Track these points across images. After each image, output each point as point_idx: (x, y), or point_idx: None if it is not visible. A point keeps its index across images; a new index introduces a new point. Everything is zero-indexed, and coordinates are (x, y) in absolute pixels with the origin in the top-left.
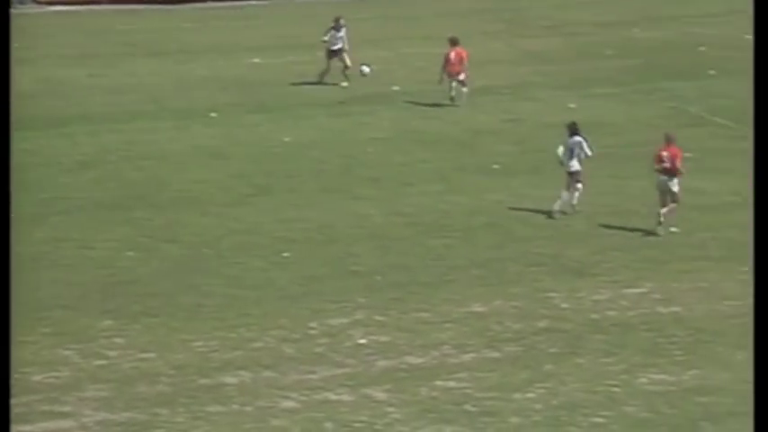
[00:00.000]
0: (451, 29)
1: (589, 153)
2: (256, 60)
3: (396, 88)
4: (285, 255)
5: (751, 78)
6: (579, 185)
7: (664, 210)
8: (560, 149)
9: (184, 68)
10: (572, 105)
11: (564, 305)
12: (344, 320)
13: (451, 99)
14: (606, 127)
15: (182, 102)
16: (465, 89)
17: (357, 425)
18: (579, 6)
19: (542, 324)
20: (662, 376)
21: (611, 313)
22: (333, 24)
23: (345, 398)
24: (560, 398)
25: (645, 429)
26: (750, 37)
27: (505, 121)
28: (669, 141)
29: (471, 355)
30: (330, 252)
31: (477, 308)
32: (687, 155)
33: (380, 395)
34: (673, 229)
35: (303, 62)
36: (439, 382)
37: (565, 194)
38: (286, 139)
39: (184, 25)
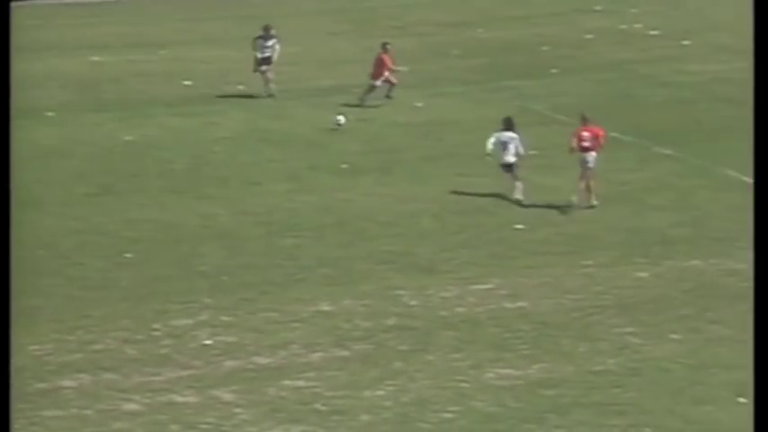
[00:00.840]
0: (299, 28)
1: (522, 151)
2: (97, 59)
3: (242, 87)
4: (128, 255)
5: (590, 76)
6: (519, 182)
7: (583, 185)
8: (491, 142)
9: (24, 67)
10: (419, 104)
11: (413, 302)
12: (189, 321)
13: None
14: (454, 125)
15: (20, 101)
16: (375, 88)
17: (204, 426)
18: (426, 7)
19: (391, 322)
20: (509, 370)
21: (459, 310)
22: (261, 33)
23: (191, 399)
24: (410, 394)
25: (493, 423)
26: (590, 36)
27: (355, 120)
28: (586, 121)
29: (320, 354)
30: (175, 252)
31: (326, 307)
32: (533, 152)
33: (228, 396)
34: (518, 226)
35: (145, 61)
36: (287, 382)
37: (519, 185)
38: (128, 138)
39: (26, 23)
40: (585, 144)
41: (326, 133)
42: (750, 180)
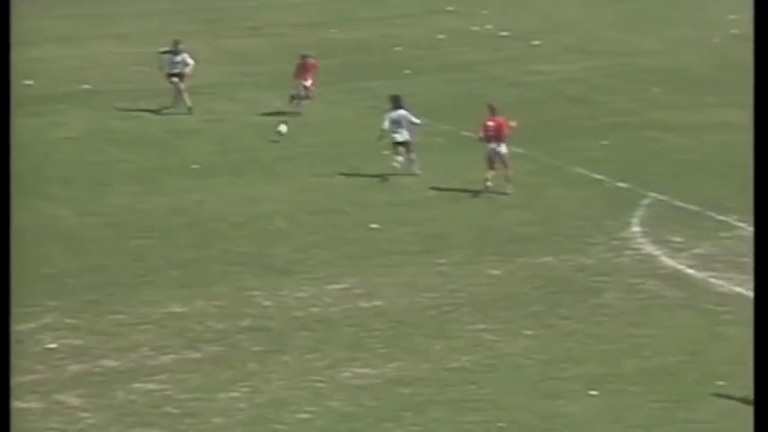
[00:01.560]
0: (148, 28)
1: (418, 122)
2: None
3: (87, 87)
4: None
5: (443, 76)
6: (414, 157)
7: (490, 174)
8: (386, 122)
9: None
10: (278, 104)
11: (267, 303)
12: (33, 325)
13: (292, 98)
14: (308, 126)
15: None
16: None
17: None
18: (279, 8)
19: (245, 323)
20: (365, 370)
21: (314, 310)
22: (169, 48)
23: (35, 405)
24: (265, 396)
25: (350, 422)
26: (442, 37)
27: (206, 121)
28: (493, 111)
29: (171, 356)
30: (17, 255)
31: (178, 308)
32: (386, 152)
33: (73, 401)
34: (373, 226)
35: None
36: (137, 385)
37: (414, 159)
38: None
39: None
40: (491, 134)
41: (176, 134)
42: (601, 177)
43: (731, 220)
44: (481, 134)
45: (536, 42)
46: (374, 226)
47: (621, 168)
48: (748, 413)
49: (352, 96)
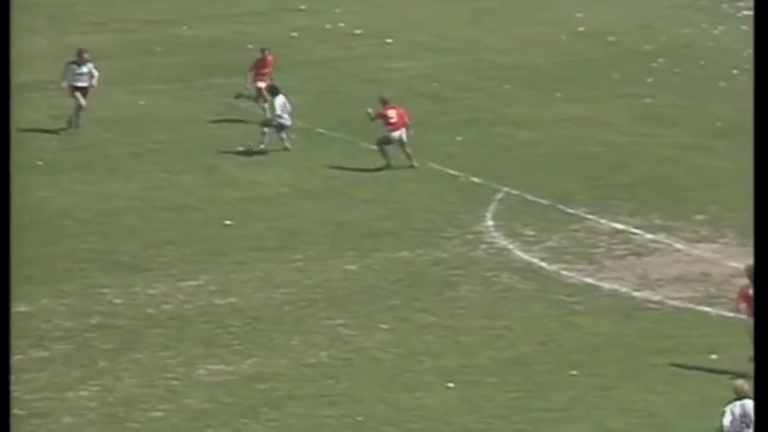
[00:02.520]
0: None
1: (290, 108)
2: None
3: None
4: None
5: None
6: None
7: (384, 161)
8: (277, 107)
9: None
10: (123, 100)
11: (117, 301)
12: None
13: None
14: (158, 123)
15: None
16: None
17: None
18: (126, 4)
19: (95, 321)
20: (221, 366)
21: (167, 307)
22: (74, 59)
23: None
24: (116, 394)
25: (205, 419)
26: (295, 34)
27: (52, 117)
28: (386, 102)
29: (18, 356)
30: None
31: (23, 308)
32: (240, 148)
33: None
34: (227, 222)
35: None
36: None
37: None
38: None
39: None
40: (393, 120)
41: (20, 131)
42: (455, 172)
43: (581, 212)
44: (392, 123)
45: (389, 40)
46: (228, 222)
47: (475, 163)
48: (599, 399)
49: (204, 93)
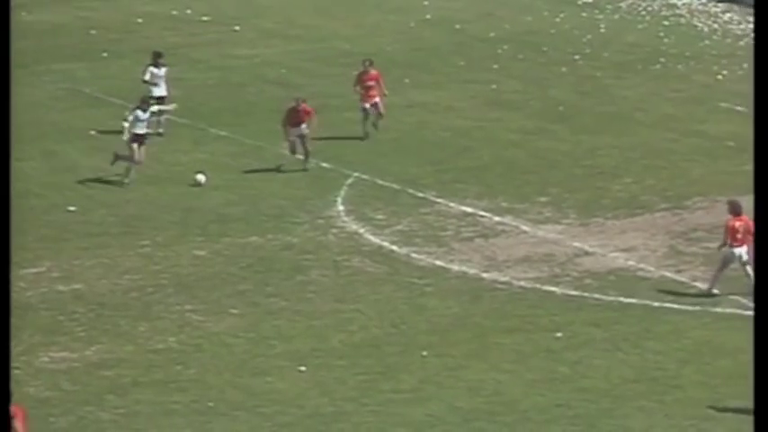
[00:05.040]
0: None
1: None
2: None
3: None
4: None
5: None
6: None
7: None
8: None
9: None
10: None
11: None
12: None
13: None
14: None
15: None
16: None
17: None
18: None
19: None
20: (64, 353)
21: None
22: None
23: None
24: None
25: (48, 408)
26: (141, 20)
27: None
28: (299, 101)
29: None
30: None
31: None
32: (92, 132)
33: None
34: (70, 209)
35: None
36: None
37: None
38: None
39: None
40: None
41: None
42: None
43: (430, 196)
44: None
45: (236, 27)
46: (71, 208)
47: (324, 149)
48: (449, 379)
49: (45, 78)
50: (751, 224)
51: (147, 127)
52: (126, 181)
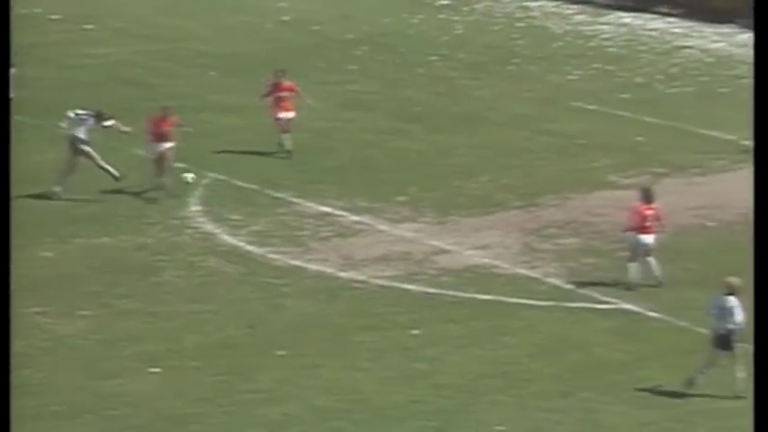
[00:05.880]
0: None
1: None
2: None
3: None
4: None
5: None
6: None
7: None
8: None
9: None
10: None
11: None
12: None
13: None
14: None
15: None
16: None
17: None
18: None
19: None
20: None
21: None
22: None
23: None
24: None
25: None
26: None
27: None
28: (167, 112)
29: None
30: None
31: None
32: None
33: None
34: None
35: None
36: None
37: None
38: None
39: None
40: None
41: None
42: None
43: (287, 196)
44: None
45: (88, 26)
46: None
47: (180, 149)
48: (306, 379)
49: None
50: (660, 213)
51: None
52: None
